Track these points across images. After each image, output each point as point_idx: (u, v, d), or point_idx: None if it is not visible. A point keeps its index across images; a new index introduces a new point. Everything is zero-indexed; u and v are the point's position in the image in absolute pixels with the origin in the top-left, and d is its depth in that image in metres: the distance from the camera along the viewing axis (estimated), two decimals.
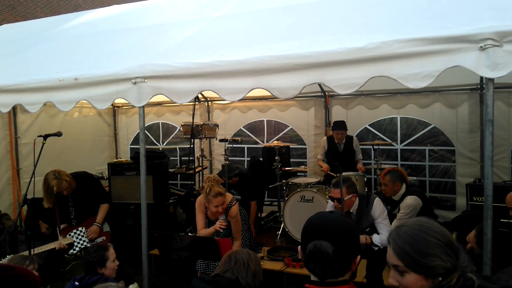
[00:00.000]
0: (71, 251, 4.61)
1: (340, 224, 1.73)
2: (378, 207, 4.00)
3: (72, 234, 4.66)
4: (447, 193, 6.59)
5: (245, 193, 6.23)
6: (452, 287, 1.45)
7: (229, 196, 4.14)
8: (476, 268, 1.56)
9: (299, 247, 1.80)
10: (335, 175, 5.88)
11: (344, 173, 5.56)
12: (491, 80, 2.51)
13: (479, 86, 5.98)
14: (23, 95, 4.05)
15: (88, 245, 4.66)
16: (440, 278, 1.47)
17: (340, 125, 6.34)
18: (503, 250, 3.10)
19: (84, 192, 4.77)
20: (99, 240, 4.73)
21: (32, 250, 4.05)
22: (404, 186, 4.67)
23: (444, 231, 1.55)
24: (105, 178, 6.90)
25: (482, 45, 2.44)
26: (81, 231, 4.69)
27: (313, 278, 1.75)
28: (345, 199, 3.81)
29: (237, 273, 2.40)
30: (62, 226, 4.78)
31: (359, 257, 1.73)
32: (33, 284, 2.50)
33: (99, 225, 4.76)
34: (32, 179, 4.17)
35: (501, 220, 3.34)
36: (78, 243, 4.64)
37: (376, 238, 3.94)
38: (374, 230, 4.04)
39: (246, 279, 2.39)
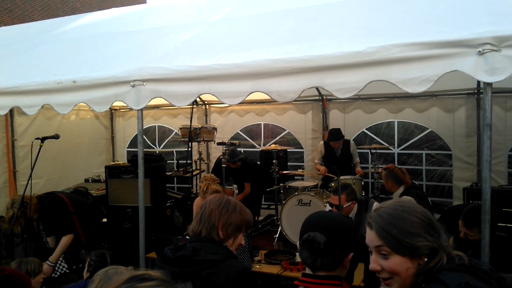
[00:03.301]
0: (53, 275, 4.50)
1: (335, 220, 1.84)
2: None
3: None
4: (444, 197, 6.61)
5: (243, 177, 6.26)
6: (443, 266, 1.41)
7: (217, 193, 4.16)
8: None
9: (298, 243, 1.86)
10: (332, 176, 5.89)
11: (341, 177, 5.60)
12: (489, 84, 2.52)
13: (476, 91, 6.02)
14: (21, 98, 4.04)
15: (68, 271, 4.58)
16: (426, 259, 1.42)
17: (336, 137, 6.27)
18: (500, 254, 3.11)
19: (48, 218, 4.58)
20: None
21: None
22: (402, 187, 4.70)
23: (425, 211, 1.50)
24: (102, 181, 6.89)
25: (480, 49, 2.45)
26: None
27: (307, 270, 1.81)
28: (344, 206, 3.82)
29: (196, 219, 2.17)
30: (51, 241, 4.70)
31: (351, 254, 1.78)
32: (24, 284, 2.51)
33: (52, 264, 4.42)
34: (29, 181, 4.17)
35: (499, 224, 3.35)
36: (58, 268, 4.56)
37: None
38: None
39: (201, 222, 2.14)
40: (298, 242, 1.85)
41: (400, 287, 1.46)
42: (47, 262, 4.37)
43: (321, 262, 1.73)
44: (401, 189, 4.69)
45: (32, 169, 4.11)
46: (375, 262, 1.51)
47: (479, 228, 3.08)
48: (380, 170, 5.16)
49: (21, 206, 4.04)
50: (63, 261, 4.62)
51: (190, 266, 1.92)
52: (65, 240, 4.49)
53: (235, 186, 5.88)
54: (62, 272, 4.59)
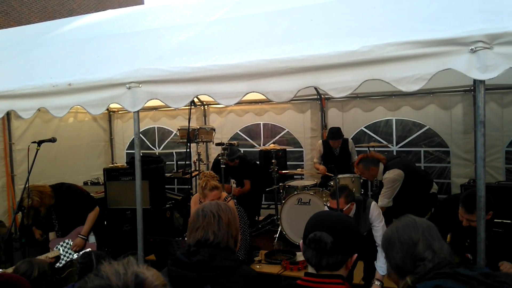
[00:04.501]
0: (57, 264, 4.57)
1: (341, 220, 1.87)
2: (374, 211, 4.01)
3: (59, 246, 4.64)
4: (443, 193, 6.60)
5: (242, 175, 6.28)
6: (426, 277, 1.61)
7: (223, 194, 4.16)
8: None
9: (301, 241, 1.87)
10: (332, 175, 5.90)
11: (340, 175, 5.61)
12: (482, 82, 2.53)
13: (472, 88, 6.02)
14: (16, 101, 4.02)
15: (74, 257, 4.64)
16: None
17: (335, 136, 6.32)
18: (497, 250, 3.12)
19: (65, 205, 4.74)
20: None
21: None
22: (381, 165, 4.85)
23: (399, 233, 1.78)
24: (101, 183, 6.89)
25: (473, 47, 2.45)
26: (67, 244, 4.67)
27: (310, 270, 1.82)
28: (344, 209, 3.82)
29: (208, 228, 2.07)
30: (51, 237, 4.78)
31: (355, 255, 1.80)
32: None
33: (84, 237, 4.71)
34: (27, 185, 4.17)
35: (495, 220, 3.35)
36: (65, 256, 4.61)
37: (379, 261, 3.90)
38: (372, 234, 4.04)
39: (219, 232, 2.06)
40: (302, 241, 1.86)
41: None
42: (79, 235, 4.70)
43: (326, 262, 1.75)
44: (381, 167, 4.82)
45: (29, 173, 4.11)
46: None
47: None
48: (355, 170, 5.22)
49: (18, 210, 4.04)
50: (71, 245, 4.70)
51: (208, 271, 1.90)
52: (92, 215, 4.77)
53: (233, 180, 5.91)
54: (68, 260, 4.61)
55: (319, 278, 1.76)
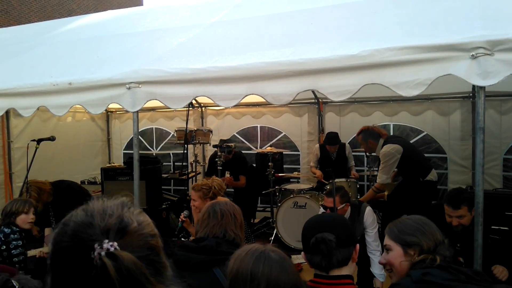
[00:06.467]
0: None
1: (334, 217, 2.00)
2: (369, 216, 4.01)
3: None
4: (439, 200, 6.62)
5: (237, 170, 6.30)
6: (426, 264, 1.74)
7: (222, 199, 4.14)
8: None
9: (303, 252, 1.92)
10: (327, 182, 5.90)
11: (336, 180, 5.62)
12: (482, 88, 2.54)
13: (471, 94, 6.04)
14: (16, 99, 4.03)
15: None
16: (413, 253, 1.82)
17: (333, 141, 6.30)
18: (493, 257, 3.12)
19: (64, 202, 4.71)
20: None
21: None
22: (381, 140, 4.88)
23: (431, 225, 1.91)
24: (98, 183, 6.87)
25: (473, 53, 2.46)
26: None
27: (317, 272, 1.86)
28: (338, 208, 3.81)
29: (226, 226, 2.21)
30: (47, 233, 4.76)
31: (358, 246, 1.89)
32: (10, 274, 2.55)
33: None
34: (25, 183, 4.16)
35: (492, 227, 3.36)
36: None
37: (375, 268, 3.90)
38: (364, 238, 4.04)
39: (235, 231, 2.22)
40: (303, 253, 1.90)
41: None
42: None
43: (336, 258, 1.80)
44: (381, 142, 4.85)
45: (28, 171, 4.11)
46: (382, 257, 1.98)
47: (468, 205, 3.09)
48: (355, 137, 5.34)
49: None
50: None
51: (216, 255, 2.02)
52: None
53: (228, 172, 5.94)
54: None
55: (330, 280, 1.80)
